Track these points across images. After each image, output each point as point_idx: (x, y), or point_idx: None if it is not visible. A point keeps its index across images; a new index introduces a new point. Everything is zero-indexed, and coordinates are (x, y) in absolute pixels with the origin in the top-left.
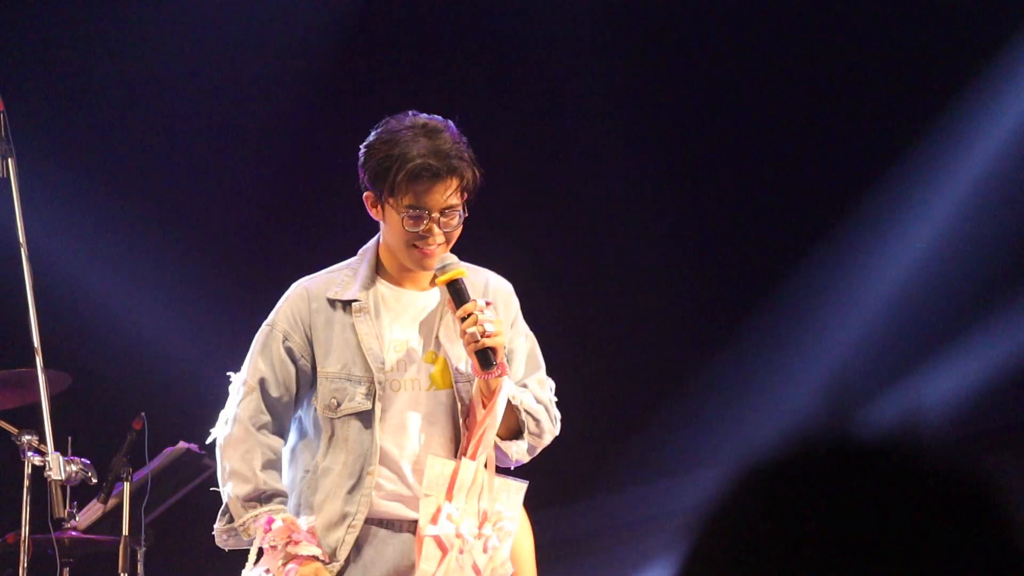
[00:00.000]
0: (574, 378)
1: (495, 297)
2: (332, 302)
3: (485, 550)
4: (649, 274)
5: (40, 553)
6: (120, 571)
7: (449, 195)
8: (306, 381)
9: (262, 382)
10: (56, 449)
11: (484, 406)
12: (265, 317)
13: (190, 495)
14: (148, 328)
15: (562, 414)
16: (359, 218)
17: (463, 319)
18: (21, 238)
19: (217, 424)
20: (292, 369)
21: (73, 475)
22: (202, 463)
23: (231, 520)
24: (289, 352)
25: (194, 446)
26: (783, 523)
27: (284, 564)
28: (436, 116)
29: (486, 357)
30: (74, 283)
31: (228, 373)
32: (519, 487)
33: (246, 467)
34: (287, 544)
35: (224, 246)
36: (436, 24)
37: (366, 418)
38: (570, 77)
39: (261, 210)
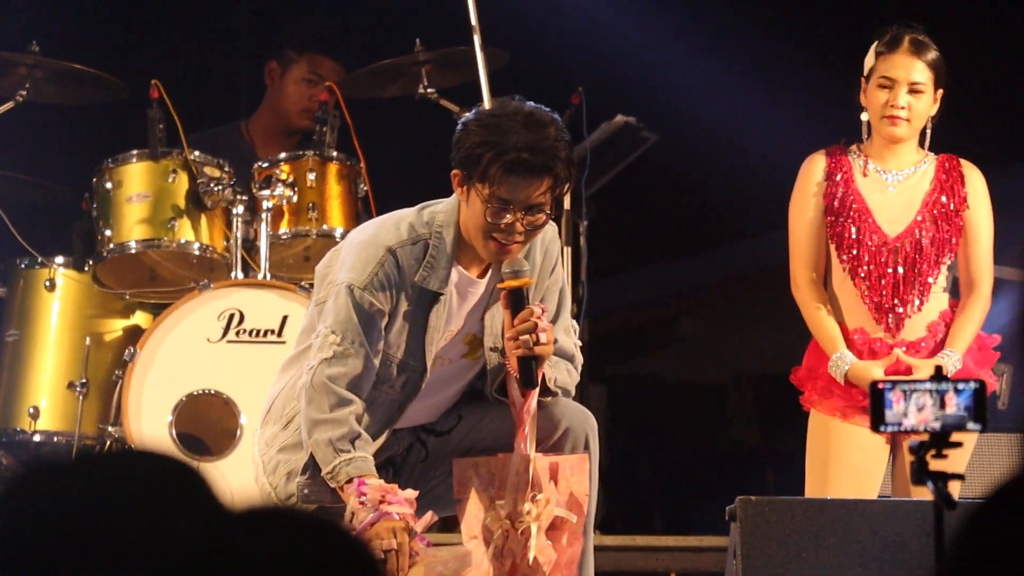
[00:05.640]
0: None
1: (543, 241)
2: (414, 284)
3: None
4: None
5: None
6: (563, 243)
7: (539, 193)
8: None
9: (354, 343)
10: None
11: (524, 397)
12: None
13: (629, 168)
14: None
15: None
16: None
17: (518, 323)
18: None
19: (304, 373)
20: (380, 332)
21: None
22: (640, 136)
23: (314, 472)
24: (379, 318)
25: (632, 119)
26: None
27: (372, 521)
28: (544, 107)
29: (529, 369)
30: None
31: (321, 325)
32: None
33: (334, 413)
34: (380, 502)
35: None
36: None
37: (396, 404)
38: None
39: None
